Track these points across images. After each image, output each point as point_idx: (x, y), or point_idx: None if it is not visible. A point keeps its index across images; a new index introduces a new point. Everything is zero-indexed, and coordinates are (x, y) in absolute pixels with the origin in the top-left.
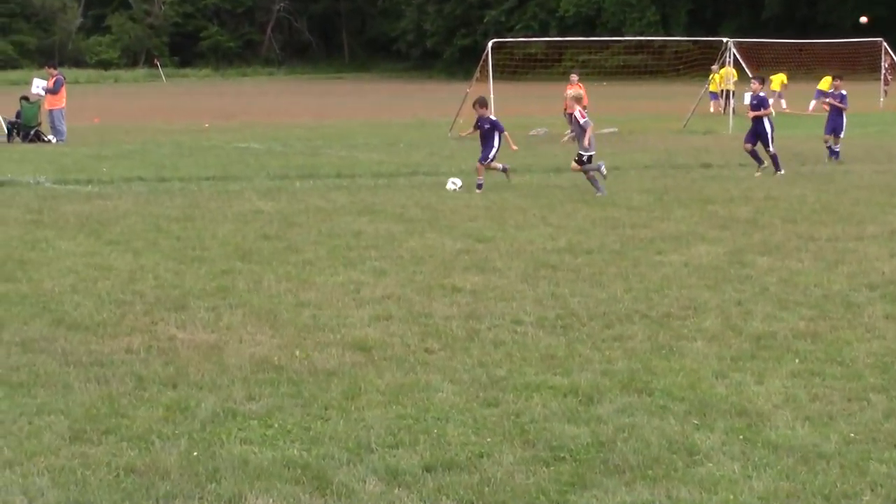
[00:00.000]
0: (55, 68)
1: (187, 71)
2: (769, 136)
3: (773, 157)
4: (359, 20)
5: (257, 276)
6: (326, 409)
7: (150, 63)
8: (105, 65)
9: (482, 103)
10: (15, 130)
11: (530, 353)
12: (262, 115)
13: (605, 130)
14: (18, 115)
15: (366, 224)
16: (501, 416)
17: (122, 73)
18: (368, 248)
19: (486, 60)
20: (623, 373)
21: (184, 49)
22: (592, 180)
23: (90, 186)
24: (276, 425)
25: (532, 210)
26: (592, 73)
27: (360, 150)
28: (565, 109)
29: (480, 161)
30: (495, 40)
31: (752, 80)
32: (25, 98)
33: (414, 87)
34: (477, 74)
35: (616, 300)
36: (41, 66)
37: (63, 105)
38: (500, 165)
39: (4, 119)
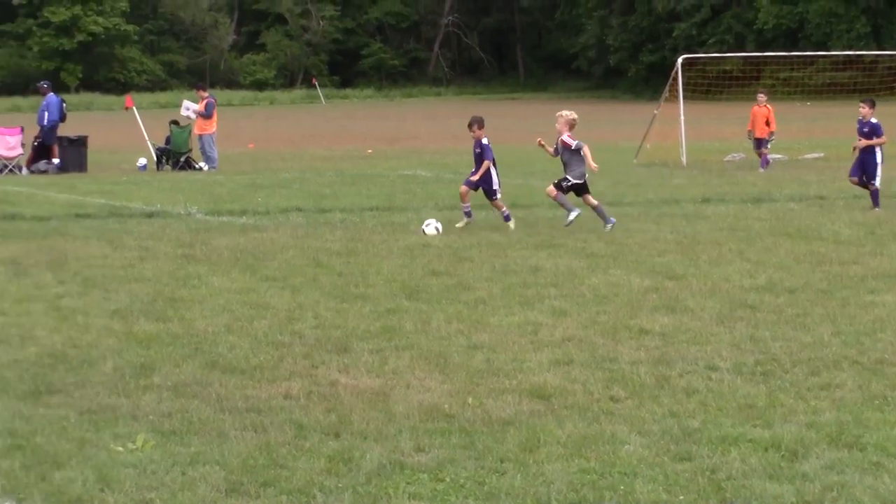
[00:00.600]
0: (206, 90)
1: (348, 91)
2: (877, 168)
3: (874, 193)
4: (535, 35)
5: (425, 316)
6: (502, 461)
7: (307, 83)
8: (260, 85)
9: (480, 124)
10: (164, 157)
11: (727, 403)
12: (429, 139)
13: (810, 156)
14: (168, 141)
15: (544, 259)
16: (695, 472)
17: (277, 94)
18: (547, 286)
19: (675, 78)
20: (831, 425)
21: (344, 68)
22: (598, 210)
23: (244, 218)
24: (448, 479)
25: (728, 244)
26: (795, 91)
27: (538, 177)
28: (752, 130)
29: (490, 197)
30: (686, 56)
31: (861, 104)
32: (175, 122)
33: (596, 109)
34: (665, 94)
35: (822, 345)
36: (191, 87)
37: (214, 130)
38: (504, 211)
39: (153, 145)
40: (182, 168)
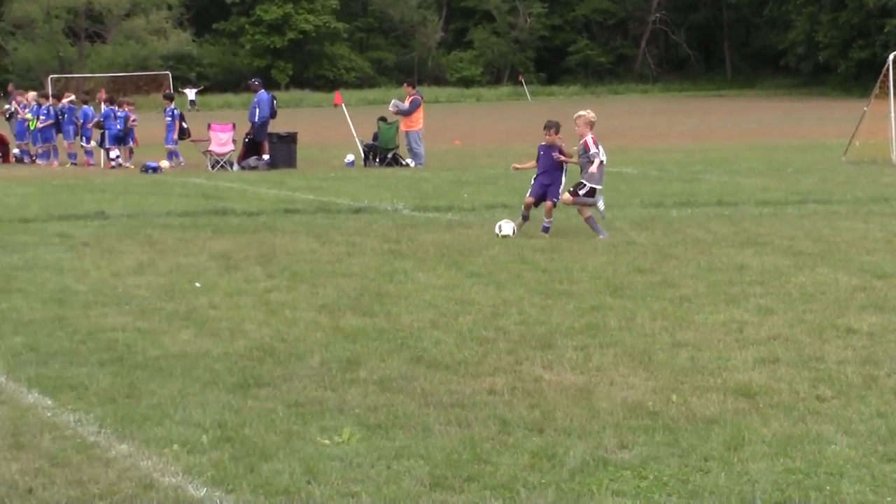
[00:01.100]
0: (413, 87)
1: (553, 88)
2: None
3: None
4: (742, 31)
5: (630, 313)
6: (706, 460)
7: (514, 80)
8: (466, 82)
9: (557, 129)
10: (371, 154)
11: None
12: (635, 136)
13: None
14: (375, 138)
15: (749, 257)
16: None
17: (484, 91)
18: (752, 284)
19: (886, 75)
20: None
21: (550, 65)
22: (591, 222)
23: (450, 214)
24: (652, 477)
25: None
26: None
27: (744, 175)
28: None
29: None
30: None
31: None
32: (383, 119)
33: (804, 106)
34: (876, 90)
35: None
36: (399, 84)
37: (421, 126)
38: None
39: (361, 141)
40: (389, 164)
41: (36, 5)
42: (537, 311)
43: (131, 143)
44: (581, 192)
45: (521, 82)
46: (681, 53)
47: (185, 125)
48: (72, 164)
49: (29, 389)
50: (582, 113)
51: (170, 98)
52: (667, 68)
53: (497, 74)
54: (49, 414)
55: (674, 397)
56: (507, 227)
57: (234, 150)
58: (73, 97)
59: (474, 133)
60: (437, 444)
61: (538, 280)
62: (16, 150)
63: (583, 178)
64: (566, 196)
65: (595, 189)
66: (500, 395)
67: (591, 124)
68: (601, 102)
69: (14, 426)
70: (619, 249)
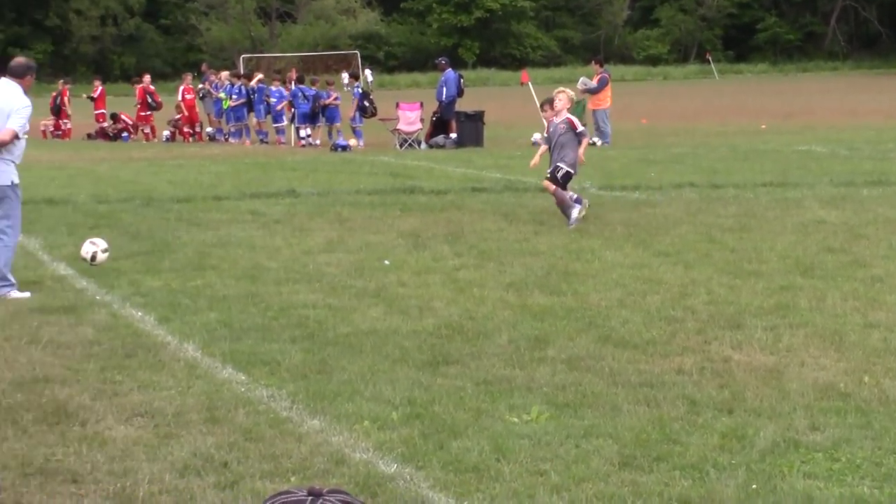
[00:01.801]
0: (601, 65)
1: (741, 66)
2: None
3: None
4: None
5: (820, 294)
6: None
7: (701, 58)
8: (653, 61)
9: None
10: None
11: None
12: (824, 114)
13: None
14: None
15: None
16: None
17: (671, 69)
18: None
19: None
20: None
21: (738, 42)
22: (564, 207)
23: (637, 193)
24: (844, 459)
25: None
26: None
27: None
28: None
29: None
30: None
31: None
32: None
33: None
34: None
35: None
36: (585, 63)
37: (608, 105)
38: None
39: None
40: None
41: None
42: (726, 290)
43: (337, 122)
44: (559, 176)
45: (709, 60)
46: (871, 30)
47: (365, 104)
48: (262, 142)
49: (223, 364)
50: (567, 90)
51: (355, 77)
52: (857, 45)
53: (684, 52)
54: (243, 389)
55: (866, 379)
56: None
57: (421, 129)
58: (261, 76)
59: (661, 111)
60: (626, 424)
61: (726, 259)
62: (209, 129)
63: (562, 163)
64: (546, 183)
65: (571, 174)
66: (689, 374)
67: (572, 102)
68: (790, 80)
69: (209, 401)
70: (809, 229)
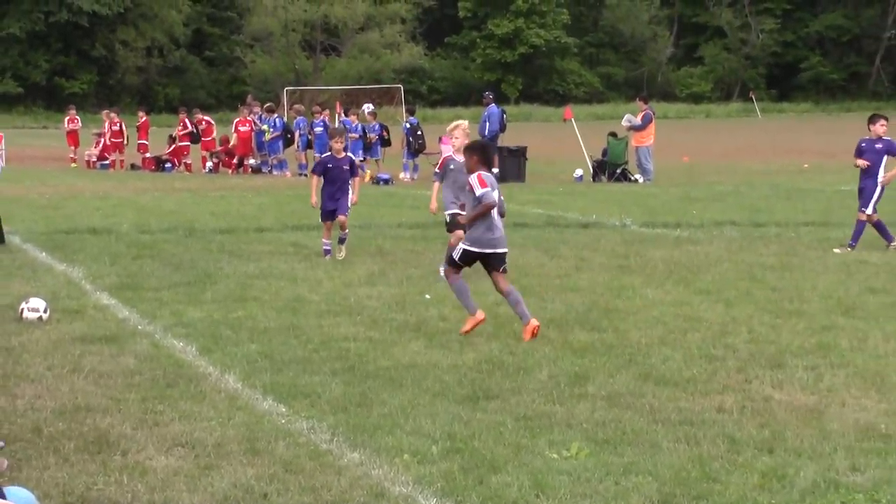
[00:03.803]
0: (646, 102)
1: (784, 105)
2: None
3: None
4: None
5: (862, 334)
6: None
7: (744, 96)
8: (696, 98)
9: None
10: (601, 169)
11: None
12: None
13: None
14: (605, 153)
15: None
16: None
17: (713, 107)
18: None
19: None
20: None
21: (781, 81)
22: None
23: (679, 230)
24: (884, 500)
25: None
26: None
27: None
28: None
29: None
30: None
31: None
32: (613, 134)
33: None
34: None
35: None
36: (629, 100)
37: (651, 142)
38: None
39: (590, 157)
40: (618, 179)
41: (274, 19)
42: (767, 329)
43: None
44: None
45: (752, 98)
46: None
47: (410, 139)
48: (301, 174)
49: (264, 396)
50: (459, 123)
51: (410, 111)
52: None
53: (727, 90)
54: (283, 421)
55: None
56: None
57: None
58: (301, 108)
59: (703, 149)
60: (666, 462)
61: (768, 298)
62: (251, 161)
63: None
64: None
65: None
66: (730, 413)
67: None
68: (833, 120)
69: (250, 432)
70: (851, 269)
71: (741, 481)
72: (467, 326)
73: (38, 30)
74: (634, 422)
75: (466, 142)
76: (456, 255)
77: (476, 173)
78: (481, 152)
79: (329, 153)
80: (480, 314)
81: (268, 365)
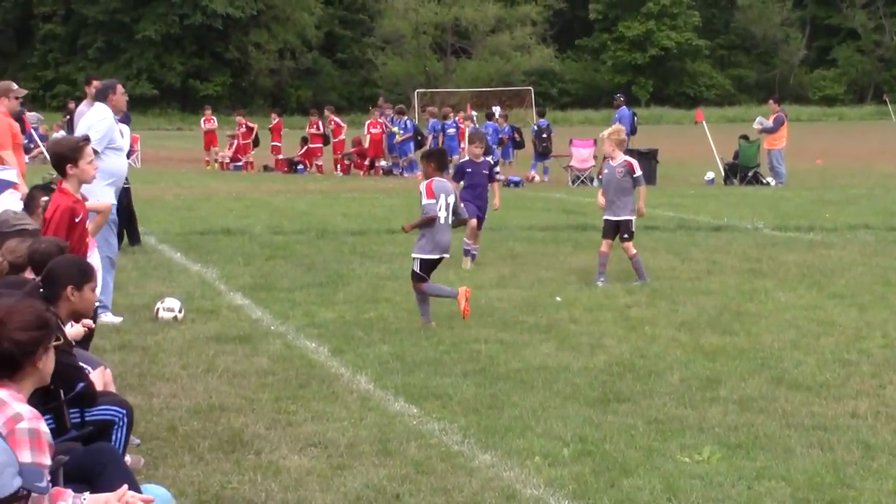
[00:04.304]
0: (778, 104)
1: None
2: None
3: None
4: None
5: None
6: None
7: (878, 99)
8: (829, 101)
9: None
10: (732, 172)
11: None
12: None
13: None
14: (736, 156)
15: None
16: None
17: (846, 110)
18: None
19: None
20: None
21: None
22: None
23: (812, 234)
24: None
25: None
26: None
27: None
28: None
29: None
30: None
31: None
32: (745, 137)
33: None
34: None
35: None
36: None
37: (783, 145)
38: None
39: (721, 159)
40: (749, 183)
41: (405, 21)
42: None
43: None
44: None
45: (886, 101)
46: None
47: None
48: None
49: (395, 397)
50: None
51: (540, 114)
52: None
53: (860, 93)
54: (415, 422)
55: None
56: None
57: (594, 166)
58: (434, 110)
59: (836, 152)
60: (799, 467)
61: None
62: (383, 162)
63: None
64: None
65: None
66: (864, 418)
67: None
68: None
69: (382, 433)
70: None
71: (876, 487)
72: (463, 306)
73: (172, 32)
74: (767, 426)
75: (614, 150)
76: (417, 267)
77: (427, 181)
78: (437, 158)
79: (467, 158)
80: (462, 290)
81: (399, 366)
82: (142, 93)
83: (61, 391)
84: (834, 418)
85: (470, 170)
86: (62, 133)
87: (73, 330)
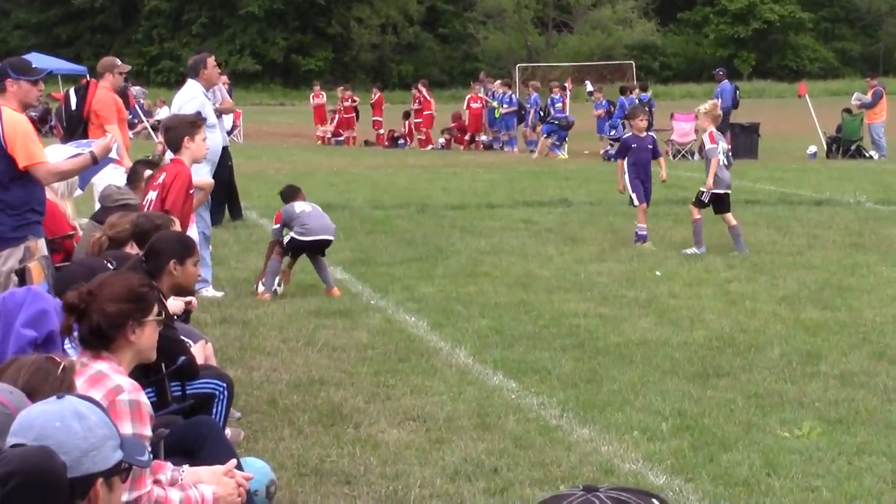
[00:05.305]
0: (874, 78)
1: None
2: None
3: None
4: None
5: None
6: None
7: None
8: None
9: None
10: (835, 145)
11: None
12: None
13: None
14: (839, 129)
15: None
16: None
17: None
18: None
19: None
20: None
21: None
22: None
23: None
24: None
25: None
26: None
27: None
28: None
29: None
30: None
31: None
32: (847, 111)
33: None
34: None
35: None
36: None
37: (884, 118)
38: None
39: (824, 133)
40: (852, 156)
41: None
42: None
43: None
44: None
45: None
46: None
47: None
48: (530, 151)
49: (494, 371)
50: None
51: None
52: None
53: None
54: (513, 396)
55: None
56: None
57: (695, 140)
58: (537, 84)
59: None
60: None
61: None
62: (483, 137)
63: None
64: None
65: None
66: None
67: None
68: None
69: (480, 407)
70: None
71: None
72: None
73: (276, 7)
74: (868, 401)
75: (709, 126)
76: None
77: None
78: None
79: (631, 133)
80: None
81: (498, 340)
82: (244, 68)
83: (163, 364)
84: None
85: (635, 145)
86: (166, 108)
87: (175, 304)
